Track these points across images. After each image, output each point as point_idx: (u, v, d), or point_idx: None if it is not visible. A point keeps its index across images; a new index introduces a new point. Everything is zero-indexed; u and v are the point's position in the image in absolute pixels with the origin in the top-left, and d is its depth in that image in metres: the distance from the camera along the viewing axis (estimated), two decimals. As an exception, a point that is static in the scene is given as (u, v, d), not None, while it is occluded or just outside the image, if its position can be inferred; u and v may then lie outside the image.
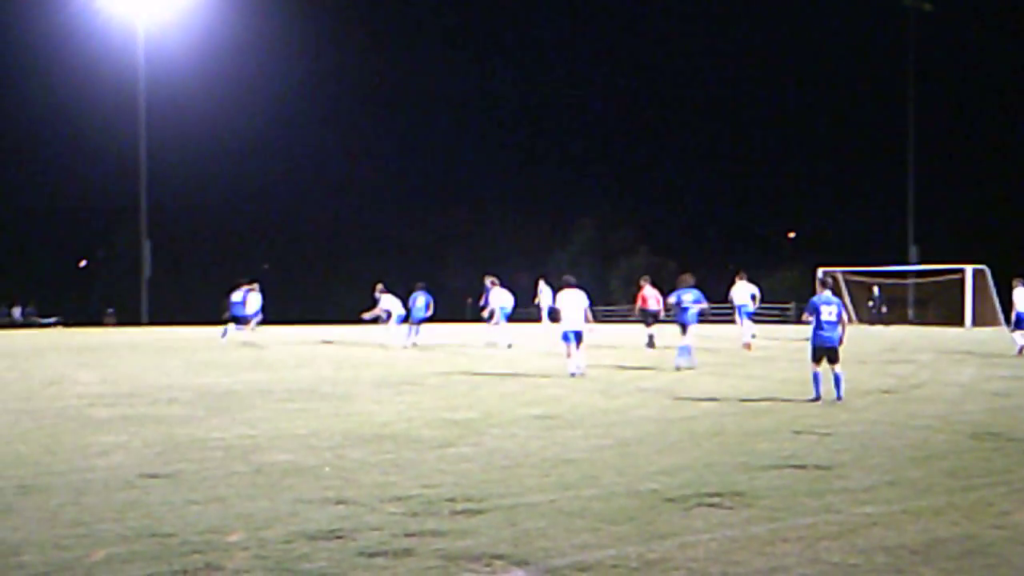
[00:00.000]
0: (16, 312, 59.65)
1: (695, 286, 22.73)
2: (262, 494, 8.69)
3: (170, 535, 7.25)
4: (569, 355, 20.23)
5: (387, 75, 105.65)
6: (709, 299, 23.55)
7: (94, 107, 76.62)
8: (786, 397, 16.18)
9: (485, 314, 32.94)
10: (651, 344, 28.45)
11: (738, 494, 8.66)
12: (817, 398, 15.60)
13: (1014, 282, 26.84)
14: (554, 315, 33.53)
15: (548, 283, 39.90)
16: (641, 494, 8.68)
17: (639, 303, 30.18)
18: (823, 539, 7.24)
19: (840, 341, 15.88)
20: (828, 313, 15.94)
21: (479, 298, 34.38)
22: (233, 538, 7.18)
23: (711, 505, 8.27)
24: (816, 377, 15.83)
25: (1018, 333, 26.39)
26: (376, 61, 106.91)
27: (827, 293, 16.19)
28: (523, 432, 12.42)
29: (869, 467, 10.03)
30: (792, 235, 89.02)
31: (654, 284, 31.23)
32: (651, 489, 8.87)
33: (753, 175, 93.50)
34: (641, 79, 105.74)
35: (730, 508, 8.18)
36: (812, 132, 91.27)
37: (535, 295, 40.83)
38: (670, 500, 8.44)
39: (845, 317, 16.28)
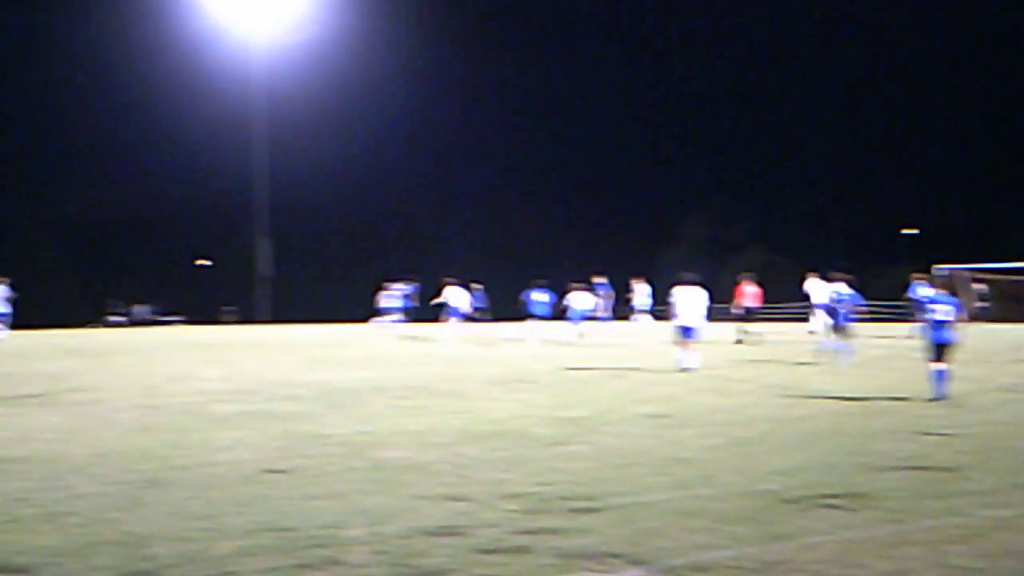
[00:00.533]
0: (140, 310, 61.39)
1: (850, 285, 22.49)
2: (380, 490, 8.80)
3: (291, 529, 7.39)
4: (683, 350, 20.57)
5: (507, 76, 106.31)
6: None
7: (214, 112, 78.63)
8: (906, 397, 15.81)
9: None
10: (743, 341, 28.57)
11: (859, 495, 8.50)
12: (939, 396, 15.35)
13: None
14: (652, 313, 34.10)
15: (648, 282, 40.03)
16: (758, 494, 8.58)
17: (739, 300, 30.43)
18: (948, 542, 7.07)
19: (954, 340, 15.66)
20: (943, 312, 15.77)
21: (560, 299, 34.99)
22: (352, 533, 7.29)
23: (831, 506, 8.13)
24: (934, 376, 15.61)
25: None
26: (496, 62, 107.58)
27: (941, 292, 16.17)
28: (637, 430, 12.37)
29: (994, 469, 9.76)
30: (909, 232, 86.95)
31: (757, 282, 31.29)
32: (769, 489, 8.76)
33: (867, 170, 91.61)
34: (758, 73, 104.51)
35: (851, 510, 8.04)
36: (931, 125, 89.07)
37: (629, 293, 40.77)
38: (788, 501, 8.32)
39: (963, 315, 16.07)
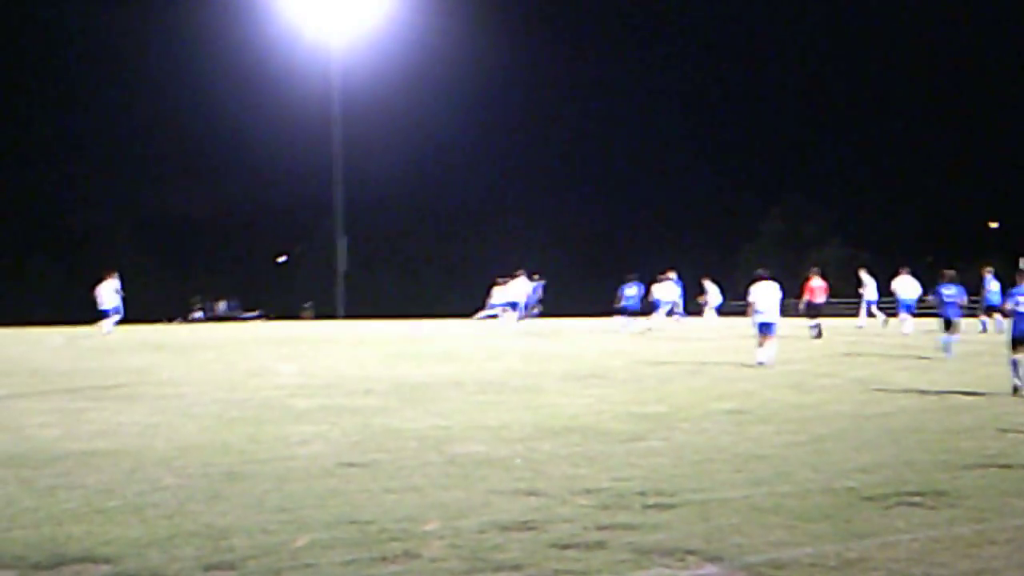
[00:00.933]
0: (221, 306, 62.36)
1: (957, 282, 22.97)
2: (456, 484, 8.84)
3: (369, 522, 7.45)
4: (761, 345, 20.83)
5: (578, 72, 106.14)
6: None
7: (294, 110, 79.47)
8: (989, 393, 15.51)
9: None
10: (819, 335, 28.47)
11: (940, 493, 8.35)
12: (1017, 388, 15.36)
13: None
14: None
15: (715, 281, 40.15)
16: (837, 492, 8.47)
17: (806, 295, 30.76)
18: (1033, 542, 6.92)
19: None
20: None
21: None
22: (429, 527, 7.34)
23: (912, 504, 8.00)
24: (1015, 364, 15.59)
25: None
26: (566, 59, 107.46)
27: None
28: (713, 427, 12.28)
29: (1082, 468, 9.53)
30: (995, 225, 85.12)
31: (823, 276, 31.57)
32: (848, 487, 8.64)
33: (952, 162, 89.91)
34: (834, 66, 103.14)
35: (932, 508, 7.90)
36: (1015, 116, 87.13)
37: (700, 293, 40.71)
38: (868, 498, 8.20)
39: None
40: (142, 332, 37.33)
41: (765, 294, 21.34)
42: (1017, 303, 15.95)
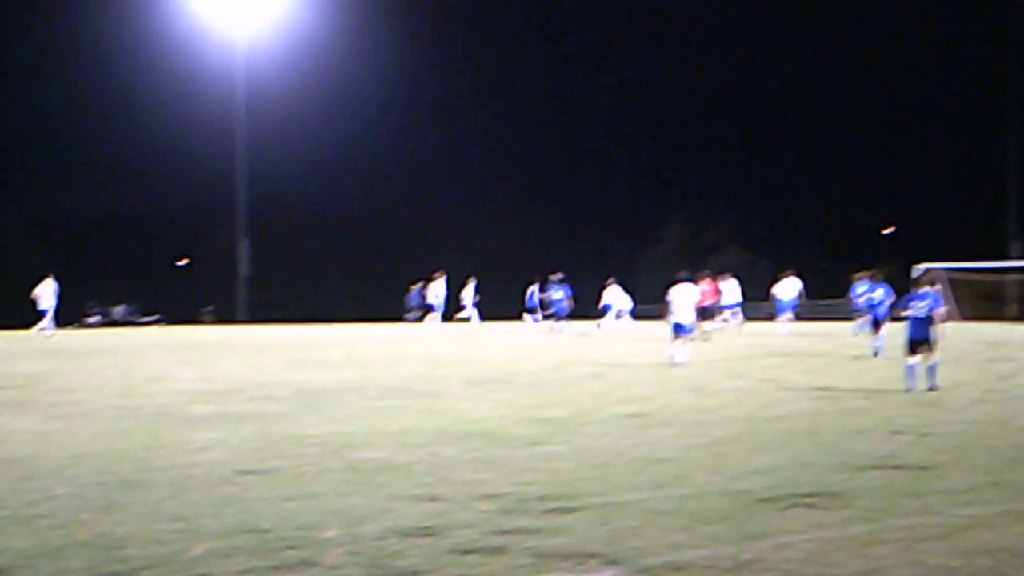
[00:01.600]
0: (118, 310, 61.12)
1: (882, 283, 24.80)
2: (356, 491, 8.79)
3: (267, 531, 7.37)
4: (676, 346, 21.76)
5: (489, 76, 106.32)
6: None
7: (195, 109, 78.22)
8: (883, 396, 15.90)
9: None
10: (704, 339, 29.64)
11: (834, 495, 8.53)
12: (909, 389, 16.15)
13: None
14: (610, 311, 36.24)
15: (621, 285, 40.83)
16: (735, 494, 8.60)
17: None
18: (922, 541, 7.11)
19: (934, 334, 16.54)
20: (920, 308, 16.74)
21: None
22: (328, 534, 7.28)
23: (806, 506, 8.16)
24: (911, 369, 16.50)
25: None
26: (470, 63, 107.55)
27: (924, 289, 17.14)
28: (614, 430, 12.39)
29: (969, 468, 9.82)
30: (889, 231, 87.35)
31: (712, 280, 34.15)
32: (745, 489, 8.78)
33: (848, 170, 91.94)
34: (733, 73, 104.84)
35: (826, 509, 8.07)
36: (910, 125, 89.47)
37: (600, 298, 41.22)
38: (764, 500, 8.34)
39: (940, 311, 16.90)
40: (34, 338, 36.41)
41: (681, 296, 22.19)
42: (914, 308, 16.78)
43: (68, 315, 55.12)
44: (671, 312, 22.21)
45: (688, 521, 7.63)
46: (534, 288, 39.18)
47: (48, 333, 33.06)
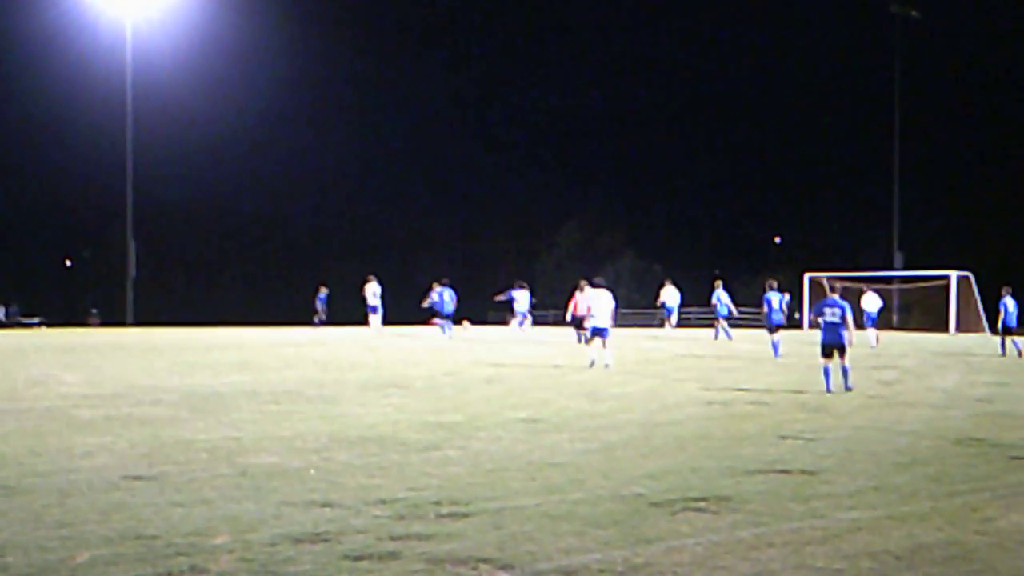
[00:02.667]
0: (0, 311, 59.40)
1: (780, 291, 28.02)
2: (247, 496, 8.66)
3: (154, 537, 7.23)
4: (591, 347, 22.83)
5: (372, 76, 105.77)
6: (687, 303, 27.93)
7: (81, 106, 76.50)
8: (771, 402, 16.22)
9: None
10: (586, 342, 30.54)
11: (723, 499, 8.67)
12: (828, 391, 17.54)
13: (1003, 290, 28.45)
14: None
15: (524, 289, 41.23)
16: (626, 498, 8.69)
17: (571, 306, 32.83)
18: (808, 544, 7.26)
19: (845, 339, 17.99)
20: (831, 314, 18.08)
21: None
22: (218, 540, 7.16)
23: (696, 510, 8.28)
24: (826, 371, 17.88)
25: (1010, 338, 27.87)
26: (361, 61, 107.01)
27: (833, 296, 18.57)
28: (509, 435, 12.42)
29: (854, 472, 10.06)
30: (778, 240, 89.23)
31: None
32: (636, 493, 8.88)
33: (740, 179, 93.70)
34: (630, 82, 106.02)
35: (715, 513, 8.20)
36: (798, 137, 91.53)
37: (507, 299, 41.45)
38: (655, 504, 8.44)
39: (849, 317, 18.12)
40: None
41: (598, 300, 22.79)
42: (823, 314, 18.09)
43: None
44: (590, 316, 22.96)
45: (581, 525, 7.69)
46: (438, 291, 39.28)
47: None
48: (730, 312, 36.15)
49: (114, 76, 59.71)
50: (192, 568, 6.51)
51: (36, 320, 57.59)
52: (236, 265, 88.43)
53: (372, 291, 38.77)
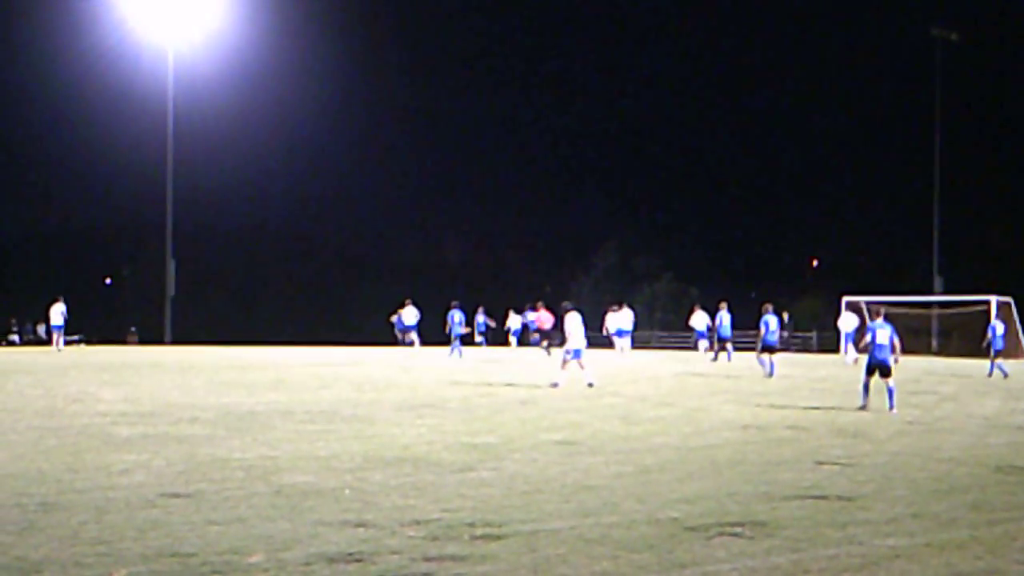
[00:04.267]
0: (40, 329, 59.95)
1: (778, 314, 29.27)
2: (282, 515, 8.69)
3: (191, 555, 7.26)
4: (582, 368, 23.07)
5: (414, 98, 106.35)
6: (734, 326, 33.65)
7: (123, 128, 77.41)
8: (808, 427, 16.09)
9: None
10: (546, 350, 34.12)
11: (759, 524, 8.61)
12: (863, 407, 18.41)
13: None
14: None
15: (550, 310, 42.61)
16: (661, 522, 8.64)
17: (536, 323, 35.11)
18: (845, 571, 7.19)
19: (893, 360, 18.70)
20: (882, 336, 18.73)
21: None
22: (253, 559, 7.19)
23: (732, 535, 8.22)
24: (866, 387, 18.69)
25: None
26: (403, 84, 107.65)
27: (879, 320, 19.23)
28: (543, 457, 12.39)
29: (892, 499, 9.96)
30: (816, 263, 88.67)
31: (547, 307, 38.47)
32: (672, 517, 8.83)
33: (778, 202, 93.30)
34: (668, 105, 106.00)
35: (751, 538, 8.13)
36: (838, 160, 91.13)
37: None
38: (691, 529, 8.39)
39: (896, 341, 18.90)
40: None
41: (576, 324, 23.20)
42: (874, 334, 18.79)
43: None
44: (570, 338, 23.24)
45: (615, 549, 7.65)
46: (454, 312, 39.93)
47: None
48: (730, 335, 36.27)
49: (156, 99, 60.40)
50: (227, 586, 6.53)
51: (76, 337, 58.12)
52: (273, 285, 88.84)
53: (411, 314, 39.50)
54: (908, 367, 32.65)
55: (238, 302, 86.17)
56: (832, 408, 19.15)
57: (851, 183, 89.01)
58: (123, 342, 60.09)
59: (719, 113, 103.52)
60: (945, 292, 57.95)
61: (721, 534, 8.23)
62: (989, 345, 30.29)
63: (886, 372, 18.50)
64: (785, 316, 50.83)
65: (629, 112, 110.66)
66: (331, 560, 7.21)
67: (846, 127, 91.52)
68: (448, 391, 21.73)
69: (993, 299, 47.40)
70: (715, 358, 36.03)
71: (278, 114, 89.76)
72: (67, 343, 52.50)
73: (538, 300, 40.98)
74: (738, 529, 8.40)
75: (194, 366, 30.13)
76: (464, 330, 36.54)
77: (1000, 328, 30.54)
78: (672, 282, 78.53)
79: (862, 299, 48.02)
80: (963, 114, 71.27)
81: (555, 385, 22.63)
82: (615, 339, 40.13)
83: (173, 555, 7.26)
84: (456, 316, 36.51)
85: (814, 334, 56.68)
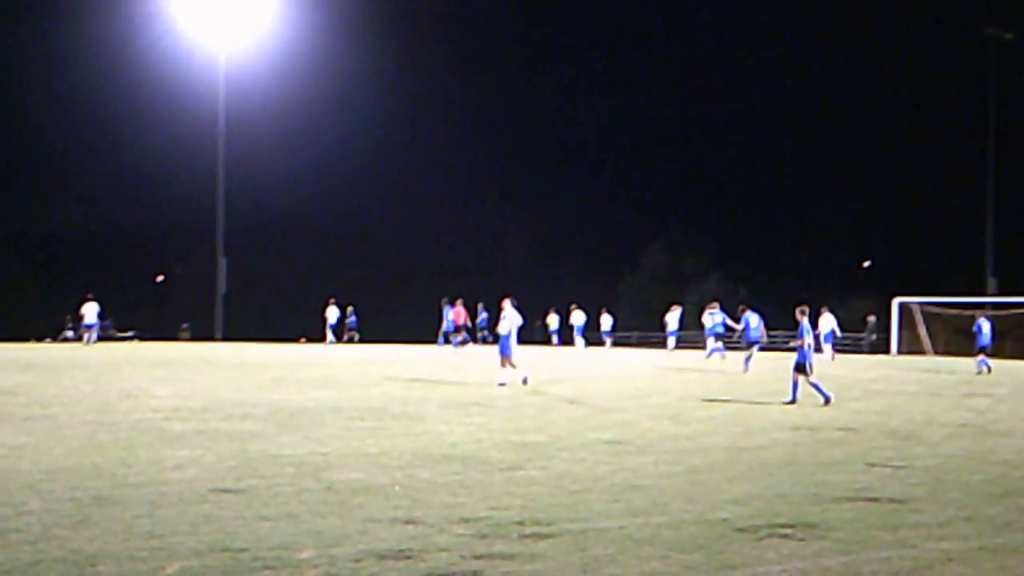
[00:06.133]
0: (106, 324, 60.69)
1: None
2: (332, 512, 8.75)
3: (242, 550, 7.33)
4: (513, 366, 23.13)
5: (463, 99, 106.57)
6: (772, 327, 31.78)
7: (176, 129, 78.27)
8: (859, 429, 15.94)
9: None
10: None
11: (810, 525, 8.54)
12: (793, 401, 19.46)
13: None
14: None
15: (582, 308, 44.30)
16: (711, 523, 8.60)
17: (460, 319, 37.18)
18: (897, 574, 7.13)
19: (808, 359, 19.74)
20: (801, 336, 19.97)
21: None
22: (303, 555, 7.24)
23: (782, 536, 8.17)
24: (796, 385, 19.69)
25: None
26: (453, 84, 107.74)
27: (806, 319, 20.25)
28: (592, 457, 12.38)
29: (945, 502, 9.84)
30: (867, 264, 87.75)
31: (464, 304, 40.48)
32: (721, 518, 8.79)
33: (829, 202, 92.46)
34: (716, 104, 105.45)
35: (802, 540, 8.08)
36: (890, 160, 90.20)
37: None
38: (740, 530, 8.35)
39: (809, 339, 20.04)
40: (13, 351, 36.20)
41: (514, 321, 23.36)
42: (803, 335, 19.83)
43: (45, 329, 54.88)
44: (503, 333, 23.31)
45: (664, 549, 7.63)
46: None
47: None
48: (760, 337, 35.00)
49: (208, 101, 61.06)
50: (278, 581, 6.59)
51: (130, 334, 58.80)
52: (323, 283, 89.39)
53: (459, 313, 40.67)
54: (961, 369, 32.30)
55: (288, 299, 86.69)
56: (883, 410, 18.96)
57: (903, 183, 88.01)
58: (175, 339, 60.70)
59: (768, 112, 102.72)
60: (999, 293, 57.15)
61: (771, 535, 8.17)
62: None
63: (805, 371, 19.55)
64: (871, 319, 50.41)
65: (676, 110, 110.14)
66: (380, 557, 7.24)
67: (899, 126, 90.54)
68: (495, 390, 21.75)
69: (1049, 301, 46.72)
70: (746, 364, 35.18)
71: (328, 114, 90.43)
72: (119, 340, 53.24)
73: (456, 298, 41.93)
74: (788, 531, 8.34)
75: (245, 363, 30.39)
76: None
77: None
78: (721, 282, 78.06)
79: (914, 300, 47.54)
80: (1017, 113, 70.12)
81: (502, 384, 22.53)
82: (669, 338, 40.55)
83: (224, 550, 7.33)
84: (450, 314, 39.28)
85: (865, 335, 56.08)
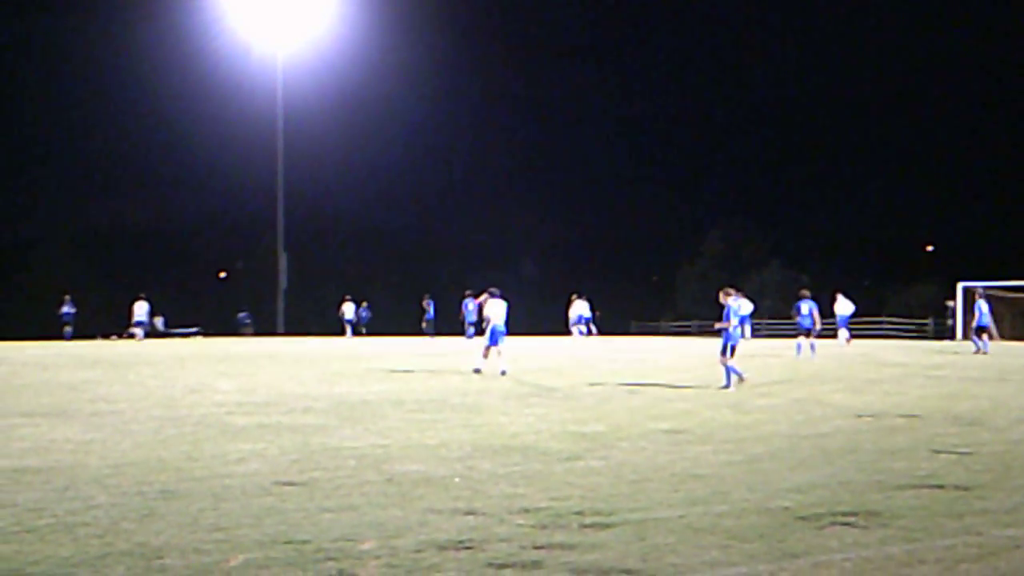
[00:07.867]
0: (158, 322, 61.59)
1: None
2: (393, 503, 8.81)
3: (305, 542, 7.41)
4: (487, 356, 23.65)
5: (518, 91, 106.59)
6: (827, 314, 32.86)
7: (237, 127, 79.15)
8: (923, 415, 15.74)
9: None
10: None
11: (873, 513, 8.46)
12: (727, 386, 19.64)
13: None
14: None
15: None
16: (772, 511, 8.55)
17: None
18: (963, 561, 7.03)
19: (733, 341, 20.06)
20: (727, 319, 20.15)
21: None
22: (365, 546, 7.30)
23: (845, 524, 8.09)
24: (729, 370, 19.87)
25: None
26: (508, 78, 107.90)
27: (731, 302, 20.43)
28: (652, 446, 12.35)
29: (1011, 488, 9.70)
30: (930, 248, 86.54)
31: (475, 295, 39.56)
32: (783, 506, 8.73)
33: (891, 187, 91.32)
34: (776, 92, 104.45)
35: (865, 527, 8.00)
36: (952, 143, 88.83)
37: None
38: (802, 518, 8.28)
39: (735, 320, 20.42)
40: (79, 347, 36.82)
41: (500, 310, 23.82)
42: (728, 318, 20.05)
43: (110, 326, 55.77)
44: (492, 326, 23.68)
45: (725, 538, 7.60)
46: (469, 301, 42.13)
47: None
48: (812, 325, 33.47)
49: (267, 99, 61.63)
50: (340, 572, 6.65)
51: (194, 330, 59.60)
52: (382, 277, 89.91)
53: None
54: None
55: (348, 293, 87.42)
56: (948, 395, 18.71)
57: (967, 167, 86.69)
58: (238, 334, 61.41)
59: (830, 99, 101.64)
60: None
61: (833, 524, 8.10)
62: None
63: (727, 352, 19.94)
64: (951, 304, 50.04)
65: (735, 99, 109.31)
66: (441, 547, 7.29)
67: (962, 110, 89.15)
68: (554, 380, 21.77)
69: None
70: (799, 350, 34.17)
71: (386, 111, 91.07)
72: (182, 336, 54.02)
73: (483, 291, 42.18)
74: (851, 519, 8.26)
75: (306, 356, 30.67)
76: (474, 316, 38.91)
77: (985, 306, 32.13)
78: (781, 269, 77.43)
79: (978, 284, 46.84)
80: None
81: (477, 371, 23.03)
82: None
83: (287, 542, 7.41)
84: (470, 305, 39.42)
85: (930, 321, 55.38)
